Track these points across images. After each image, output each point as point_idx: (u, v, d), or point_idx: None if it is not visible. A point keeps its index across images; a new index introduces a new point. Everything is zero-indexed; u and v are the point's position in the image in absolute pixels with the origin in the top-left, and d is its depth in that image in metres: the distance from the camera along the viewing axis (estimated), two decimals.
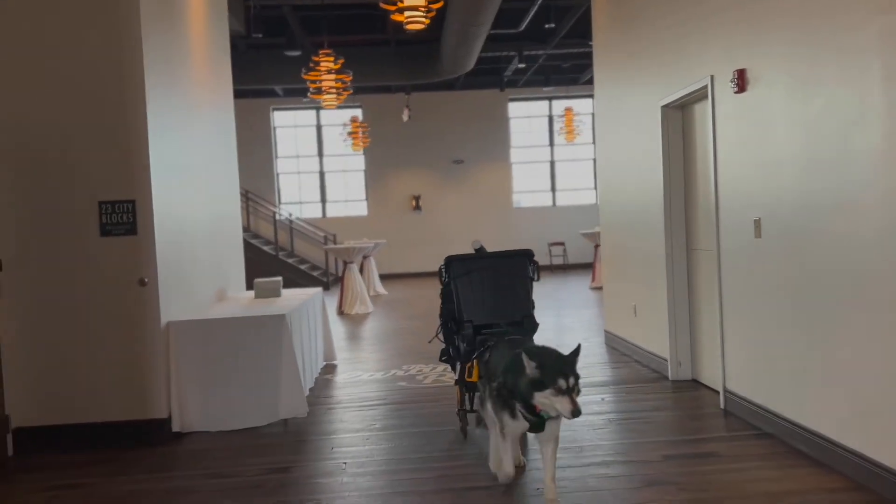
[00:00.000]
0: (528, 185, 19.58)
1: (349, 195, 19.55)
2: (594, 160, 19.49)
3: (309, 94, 10.47)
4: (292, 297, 6.20)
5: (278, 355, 4.87)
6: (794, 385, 3.93)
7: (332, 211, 19.49)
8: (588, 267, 17.80)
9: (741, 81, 4.33)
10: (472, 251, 4.44)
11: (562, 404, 2.94)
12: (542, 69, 16.94)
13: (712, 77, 4.72)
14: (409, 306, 12.03)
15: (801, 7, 3.70)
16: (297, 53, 12.11)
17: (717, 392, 4.88)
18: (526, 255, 4.25)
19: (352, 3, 11.69)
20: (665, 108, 5.54)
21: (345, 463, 4.06)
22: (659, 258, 5.73)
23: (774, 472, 3.57)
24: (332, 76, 10.28)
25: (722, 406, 4.73)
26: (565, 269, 18.32)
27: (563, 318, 9.62)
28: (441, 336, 4.44)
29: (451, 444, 4.29)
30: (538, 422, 3.11)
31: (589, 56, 15.44)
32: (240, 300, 6.24)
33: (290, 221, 18.29)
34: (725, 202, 4.68)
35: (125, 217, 4.58)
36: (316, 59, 10.18)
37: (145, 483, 3.89)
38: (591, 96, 19.74)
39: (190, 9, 5.90)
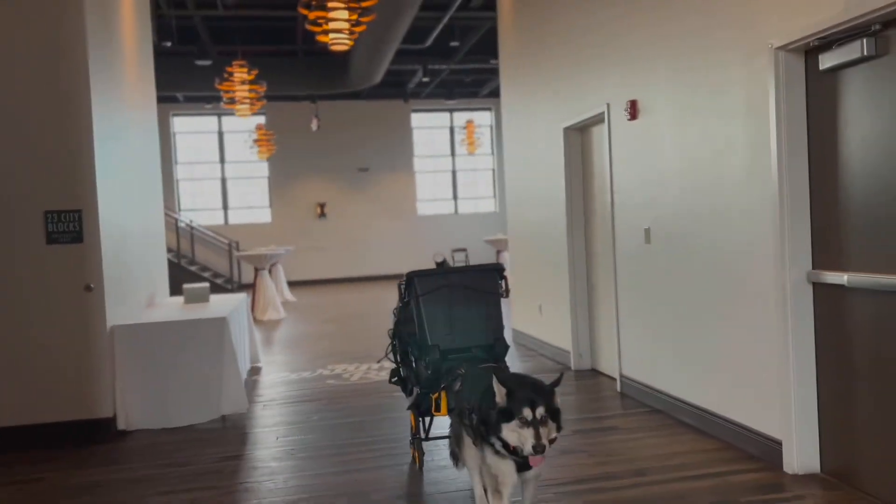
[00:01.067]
0: (431, 194, 20.23)
1: (252, 202, 19.54)
2: (493, 170, 20.42)
3: (223, 103, 10.64)
4: (221, 302, 6.48)
5: (220, 355, 5.19)
6: (679, 368, 4.68)
7: (235, 218, 19.42)
8: None
9: (633, 110, 5.07)
10: (434, 264, 4.05)
11: (524, 438, 2.55)
12: (445, 83, 17.65)
13: (608, 105, 5.45)
14: (321, 311, 12.34)
15: (683, 50, 4.45)
16: (207, 63, 12.21)
17: (614, 378, 5.61)
18: (496, 270, 3.80)
19: (261, 15, 11.94)
20: (567, 129, 6.26)
21: (292, 449, 4.46)
22: (562, 262, 6.43)
23: (664, 440, 4.28)
24: (246, 87, 10.51)
25: (619, 389, 5.46)
26: None
27: None
28: (391, 356, 4.02)
29: (389, 430, 4.77)
30: (523, 460, 2.67)
31: (489, 72, 16.30)
32: (170, 305, 6.46)
33: (192, 228, 18.10)
34: (620, 213, 5.41)
35: (72, 226, 4.79)
36: (230, 69, 10.39)
37: (106, 474, 4.15)
38: (490, 109, 20.70)
39: (123, 24, 6.10)
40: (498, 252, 14.31)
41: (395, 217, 19.76)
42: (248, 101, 10.66)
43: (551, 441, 2.60)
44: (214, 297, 6.93)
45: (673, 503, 3.35)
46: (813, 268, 3.60)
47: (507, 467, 2.73)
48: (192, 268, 17.25)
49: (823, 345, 3.58)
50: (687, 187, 4.49)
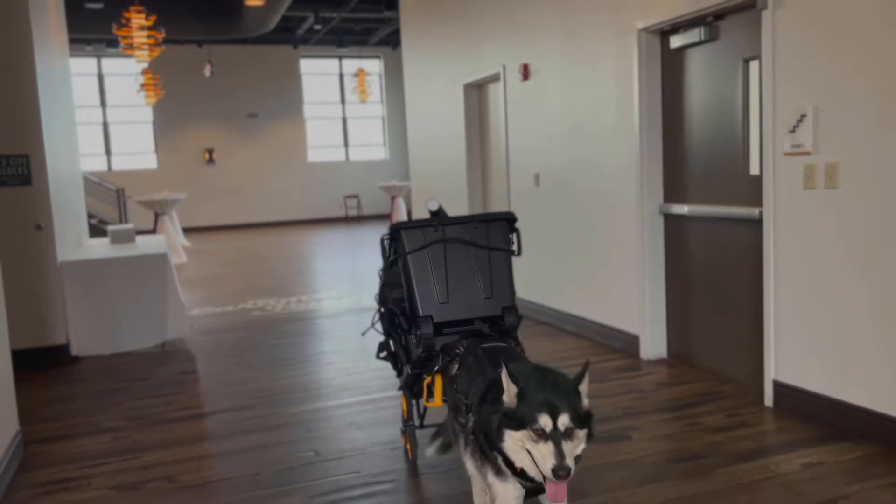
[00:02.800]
0: (321, 141, 20.57)
1: (136, 148, 19.17)
2: (383, 118, 20.97)
3: (122, 48, 10.65)
4: (147, 243, 6.93)
5: (163, 287, 5.74)
6: (561, 286, 5.73)
7: (118, 164, 19.03)
8: (384, 217, 19.39)
9: (525, 72, 5.96)
10: (428, 214, 3.28)
11: (542, 455, 1.84)
12: (335, 30, 17.93)
13: (504, 66, 6.32)
14: (220, 255, 12.72)
15: (569, 22, 5.36)
16: (99, 6, 12.01)
17: None
18: (506, 220, 3.00)
19: None
20: (467, 85, 7.09)
21: (242, 363, 5.17)
22: (462, 204, 7.34)
23: (550, 343, 5.34)
24: (144, 32, 10.56)
25: None
26: (360, 219, 19.74)
27: (373, 259, 11.08)
28: (378, 326, 3.30)
29: (326, 346, 5.56)
30: (534, 484, 1.98)
31: (379, 21, 16.74)
32: (98, 245, 6.84)
33: None
34: (514, 161, 6.35)
35: (20, 169, 5.16)
36: (127, 14, 10.40)
37: (79, 388, 4.70)
38: (379, 57, 21.05)
39: None
40: (392, 198, 15.07)
41: (285, 163, 19.99)
42: (146, 46, 10.71)
43: (577, 459, 1.88)
44: (139, 239, 7.33)
45: None
46: (664, 202, 4.67)
47: (511, 491, 2.02)
48: None
49: (670, 261, 4.69)
50: (569, 139, 5.46)
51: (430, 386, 2.85)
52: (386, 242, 3.06)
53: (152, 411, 4.19)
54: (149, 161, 19.26)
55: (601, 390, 4.18)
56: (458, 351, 2.63)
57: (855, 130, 3.22)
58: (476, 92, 7.15)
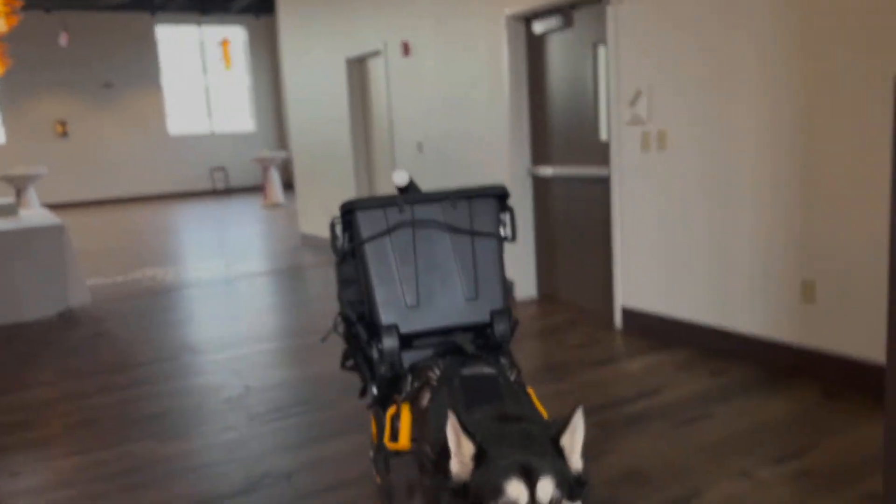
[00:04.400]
0: (184, 112, 20.07)
1: None
2: (249, 89, 20.76)
3: None
4: (33, 215, 6.96)
5: (62, 256, 5.90)
6: None
7: None
8: (255, 190, 19.35)
9: (406, 49, 6.56)
10: (396, 189, 2.52)
11: None
12: None
13: (386, 43, 6.88)
14: (89, 231, 12.44)
15: (446, 4, 6.00)
16: None
17: None
18: (495, 196, 2.37)
19: None
20: (349, 60, 7.58)
21: (149, 322, 5.50)
22: (348, 172, 7.87)
23: None
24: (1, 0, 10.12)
25: None
26: (229, 192, 19.59)
27: (251, 230, 11.35)
28: (340, 331, 2.46)
29: (233, 305, 5.96)
30: None
31: None
32: None
33: None
34: (398, 130, 6.95)
35: None
36: None
37: None
38: (242, 25, 20.72)
39: None
40: (264, 169, 15.18)
41: (145, 135, 19.37)
42: (2, 15, 10.25)
43: None
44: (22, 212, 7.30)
45: None
46: (532, 165, 5.47)
47: None
48: None
49: (538, 215, 5.51)
50: (448, 111, 6.14)
51: (394, 420, 2.12)
52: (336, 225, 2.36)
53: (80, 366, 4.49)
54: None
55: None
56: (430, 375, 1.98)
57: (679, 104, 4.11)
58: (358, 66, 7.65)
